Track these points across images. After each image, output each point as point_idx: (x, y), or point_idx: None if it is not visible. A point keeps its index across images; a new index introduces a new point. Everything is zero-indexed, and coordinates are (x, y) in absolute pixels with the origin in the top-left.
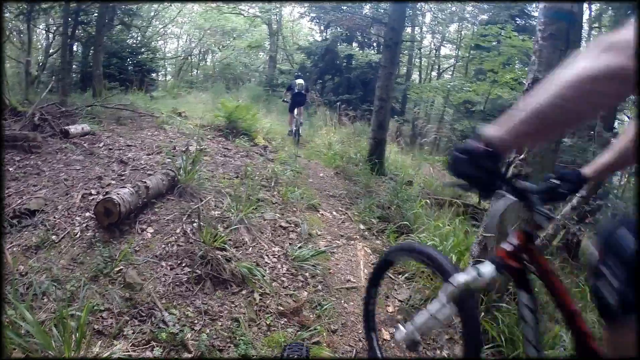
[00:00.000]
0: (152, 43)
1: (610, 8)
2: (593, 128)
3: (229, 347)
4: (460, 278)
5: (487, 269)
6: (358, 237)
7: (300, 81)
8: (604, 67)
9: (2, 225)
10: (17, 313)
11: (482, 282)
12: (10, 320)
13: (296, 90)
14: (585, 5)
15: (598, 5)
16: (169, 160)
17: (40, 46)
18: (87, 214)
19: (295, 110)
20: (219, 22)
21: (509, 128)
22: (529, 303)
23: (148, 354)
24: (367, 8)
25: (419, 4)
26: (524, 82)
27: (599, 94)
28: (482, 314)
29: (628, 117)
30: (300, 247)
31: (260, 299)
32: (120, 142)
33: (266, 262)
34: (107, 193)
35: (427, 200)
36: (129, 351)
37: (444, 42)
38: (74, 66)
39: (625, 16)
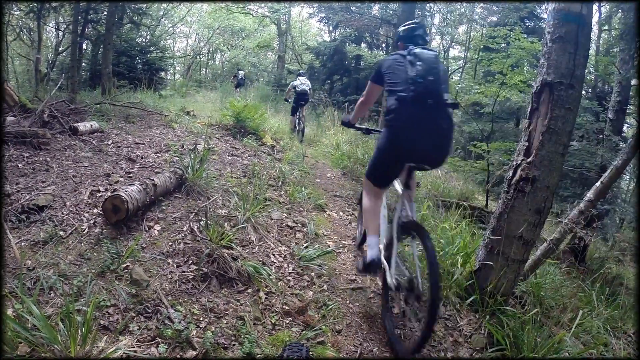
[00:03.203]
0: (161, 42)
1: (620, 10)
2: (602, 132)
3: (234, 345)
4: None
5: None
6: None
7: (241, 72)
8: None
9: (2, 234)
10: (23, 307)
11: None
12: (17, 313)
13: (240, 77)
14: (595, 7)
15: (608, 7)
16: (177, 158)
17: (50, 44)
18: (95, 211)
19: (237, 89)
20: (228, 22)
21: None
22: None
23: (153, 350)
24: (376, 9)
25: (428, 5)
26: (533, 84)
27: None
28: (487, 317)
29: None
30: (306, 247)
31: (265, 298)
32: (128, 139)
33: (272, 261)
34: (115, 190)
35: (434, 202)
36: (134, 347)
37: (453, 43)
38: (83, 64)
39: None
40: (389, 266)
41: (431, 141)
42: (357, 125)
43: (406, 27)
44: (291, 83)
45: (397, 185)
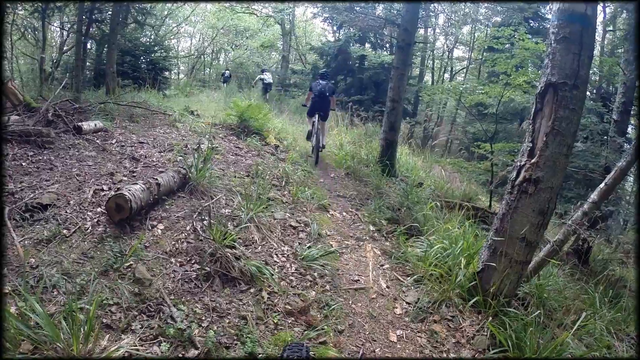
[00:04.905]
0: (166, 42)
1: (624, 11)
2: (606, 133)
3: (236, 344)
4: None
5: None
6: (367, 238)
7: (227, 72)
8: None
9: (2, 232)
10: (27, 305)
11: None
12: (20, 311)
13: (226, 75)
14: (600, 7)
15: (612, 7)
16: (181, 158)
17: (54, 43)
18: (99, 210)
19: (225, 83)
20: (232, 22)
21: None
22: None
23: (155, 349)
24: (380, 9)
25: (432, 5)
26: (537, 85)
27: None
28: (490, 318)
29: None
30: (309, 247)
31: (268, 298)
32: (132, 139)
33: (275, 261)
34: (118, 189)
35: (438, 203)
36: (136, 345)
37: (457, 44)
38: (87, 63)
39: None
40: (316, 141)
41: (322, 107)
42: (306, 106)
43: (320, 72)
44: (258, 76)
45: (316, 119)
